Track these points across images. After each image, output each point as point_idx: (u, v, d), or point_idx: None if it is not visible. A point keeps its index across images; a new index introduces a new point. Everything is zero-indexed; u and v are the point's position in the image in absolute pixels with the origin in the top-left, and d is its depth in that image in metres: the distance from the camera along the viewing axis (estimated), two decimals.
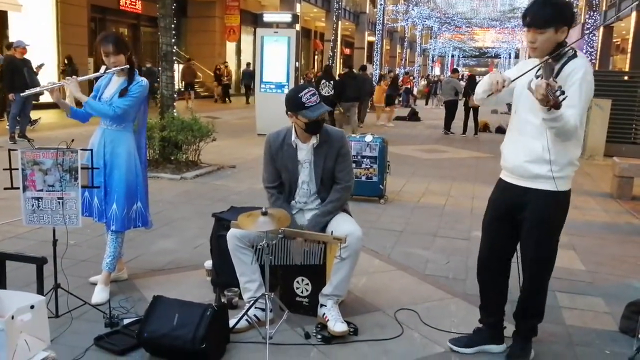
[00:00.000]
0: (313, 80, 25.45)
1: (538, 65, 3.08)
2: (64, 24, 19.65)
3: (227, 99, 26.81)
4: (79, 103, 4.13)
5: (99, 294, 4.03)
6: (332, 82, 14.81)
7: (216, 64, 27.09)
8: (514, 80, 3.11)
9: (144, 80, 4.15)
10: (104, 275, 4.13)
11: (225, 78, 26.80)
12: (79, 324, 3.64)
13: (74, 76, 4.13)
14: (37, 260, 3.55)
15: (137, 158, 4.20)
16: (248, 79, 25.58)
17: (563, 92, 2.72)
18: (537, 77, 3.03)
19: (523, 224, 3.29)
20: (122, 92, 4.05)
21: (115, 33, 4.28)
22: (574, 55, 3.06)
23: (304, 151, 3.82)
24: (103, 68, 4.16)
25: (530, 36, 3.10)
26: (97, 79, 4.26)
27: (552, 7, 3.08)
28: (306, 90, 3.70)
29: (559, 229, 3.33)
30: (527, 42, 3.18)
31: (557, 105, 2.74)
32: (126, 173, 4.10)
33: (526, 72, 3.11)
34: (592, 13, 16.84)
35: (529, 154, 3.16)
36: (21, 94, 3.97)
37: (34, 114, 13.27)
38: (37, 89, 4.42)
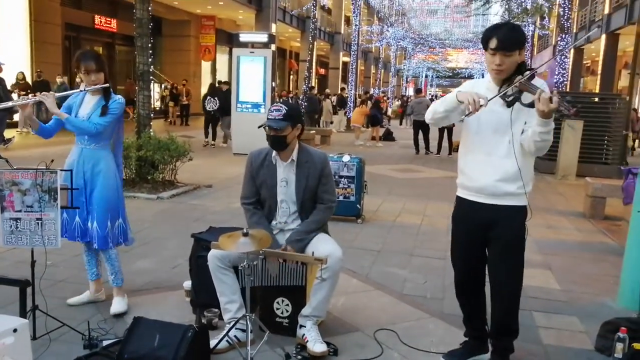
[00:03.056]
0: (288, 98, 26.02)
1: (514, 85, 3.13)
2: (37, 42, 19.49)
3: (184, 121, 23.86)
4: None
5: (118, 305, 4.18)
6: (216, 97, 16.07)
7: (182, 82, 24.63)
8: (490, 100, 3.12)
9: (121, 98, 4.19)
10: (115, 290, 4.26)
11: (185, 98, 23.74)
12: (58, 346, 3.59)
13: (50, 92, 4.10)
14: (21, 283, 3.52)
15: (117, 175, 4.23)
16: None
17: (570, 102, 2.92)
18: (506, 97, 3.13)
19: (493, 243, 3.36)
20: (104, 110, 4.06)
21: (94, 51, 4.30)
22: (533, 76, 3.17)
23: (283, 169, 3.86)
24: (82, 85, 4.15)
25: (498, 59, 3.17)
26: (66, 97, 4.23)
27: (517, 31, 3.24)
28: (274, 106, 3.80)
29: (525, 243, 3.41)
30: (492, 65, 3.22)
31: (577, 113, 2.88)
32: (106, 190, 4.11)
33: (498, 94, 3.18)
34: (563, 35, 17.18)
35: (500, 173, 3.25)
36: None
37: (7, 133, 13.14)
38: (11, 103, 4.33)
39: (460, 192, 3.51)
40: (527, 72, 3.15)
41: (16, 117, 15.52)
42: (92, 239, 4.11)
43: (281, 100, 19.46)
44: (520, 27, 3.36)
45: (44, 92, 4.04)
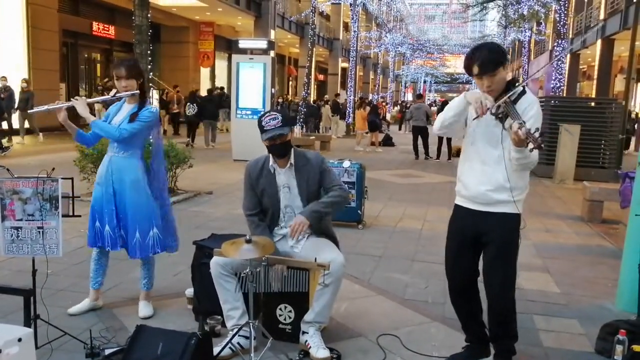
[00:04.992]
0: (283, 103, 26.16)
1: (499, 104, 3.19)
2: (34, 49, 19.40)
3: (176, 130, 21.44)
4: (84, 126, 4.20)
5: (144, 309, 4.27)
6: (195, 104, 17.54)
7: (176, 89, 21.74)
8: (489, 109, 3.19)
9: (154, 108, 4.25)
10: (143, 293, 4.34)
11: (176, 105, 20.96)
12: (60, 355, 3.59)
13: (83, 97, 4.16)
14: (24, 292, 3.52)
15: (147, 184, 4.22)
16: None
17: (541, 133, 2.94)
18: (497, 114, 3.19)
19: (487, 249, 3.44)
20: (132, 117, 4.10)
21: (132, 58, 4.32)
22: (524, 92, 3.26)
23: (282, 176, 3.87)
24: (113, 91, 4.18)
25: (486, 82, 3.25)
26: (105, 102, 4.26)
27: (495, 52, 3.29)
28: (267, 114, 3.78)
29: (518, 249, 3.45)
30: (482, 87, 3.30)
31: (540, 146, 2.92)
32: (137, 200, 4.14)
33: (490, 113, 3.23)
34: (559, 41, 17.24)
35: (491, 183, 3.34)
36: (29, 111, 3.83)
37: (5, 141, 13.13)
38: (45, 108, 4.13)
39: (457, 199, 3.59)
40: (513, 90, 3.21)
41: (12, 124, 15.39)
42: (134, 249, 4.18)
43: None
44: (497, 45, 3.45)
45: (75, 97, 4.11)
